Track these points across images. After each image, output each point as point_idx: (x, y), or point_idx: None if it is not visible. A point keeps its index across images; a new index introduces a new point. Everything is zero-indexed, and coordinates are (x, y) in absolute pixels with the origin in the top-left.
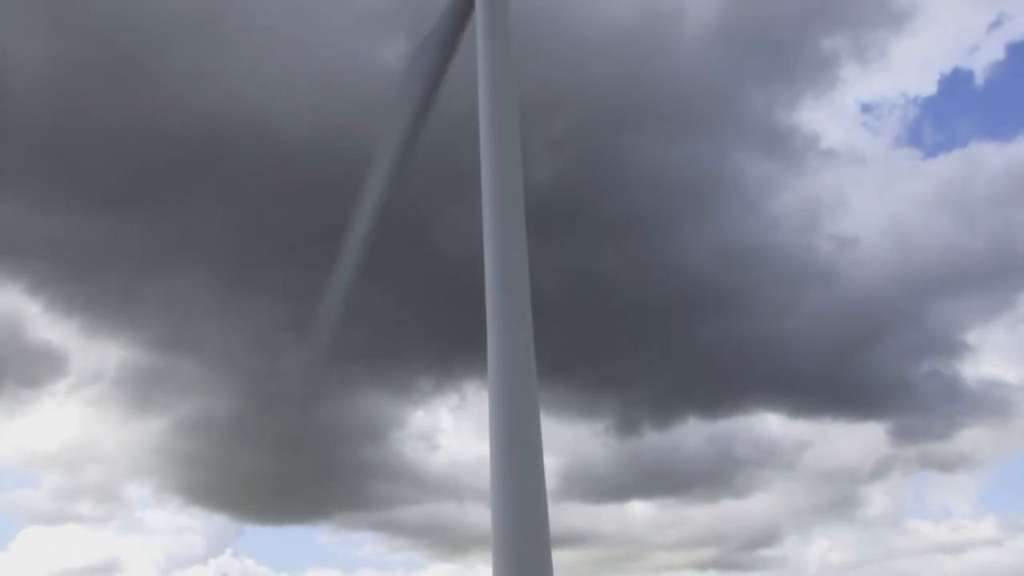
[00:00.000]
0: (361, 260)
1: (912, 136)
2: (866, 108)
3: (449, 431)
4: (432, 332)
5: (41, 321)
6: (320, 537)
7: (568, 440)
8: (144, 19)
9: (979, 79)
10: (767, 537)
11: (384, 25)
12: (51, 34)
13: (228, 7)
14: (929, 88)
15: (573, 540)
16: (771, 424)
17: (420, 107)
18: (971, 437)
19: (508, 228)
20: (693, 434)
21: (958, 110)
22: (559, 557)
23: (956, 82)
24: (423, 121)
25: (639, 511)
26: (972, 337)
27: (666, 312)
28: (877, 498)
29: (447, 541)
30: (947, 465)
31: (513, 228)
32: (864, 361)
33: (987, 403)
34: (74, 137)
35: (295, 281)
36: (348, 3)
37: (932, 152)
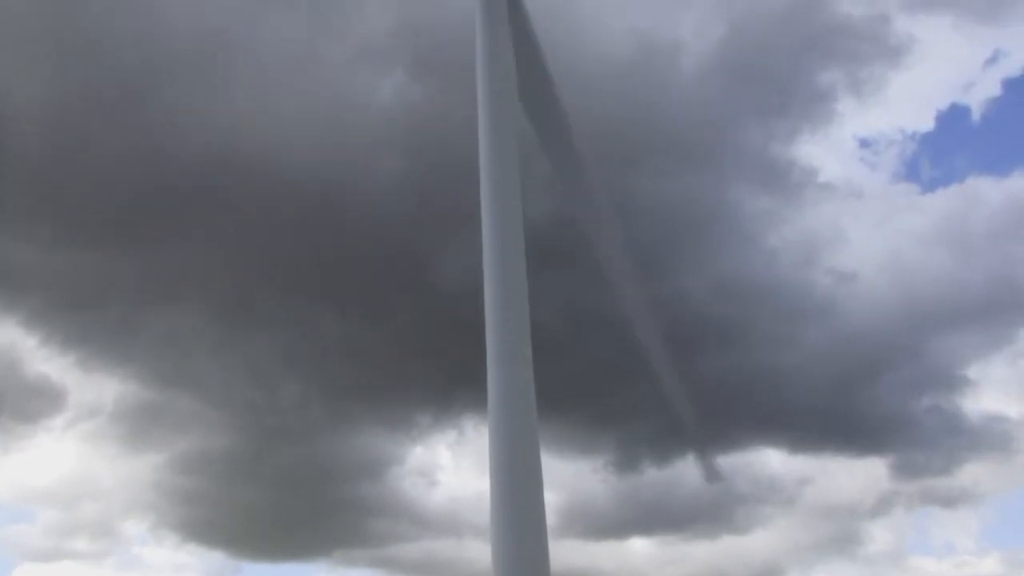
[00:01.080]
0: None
1: (910, 171)
2: (864, 143)
3: (448, 467)
4: (430, 367)
5: (38, 355)
6: (318, 574)
7: (567, 476)
8: (142, 55)
9: (976, 115)
10: (768, 574)
11: (381, 61)
12: (50, 69)
13: (226, 43)
14: (927, 124)
15: None
16: (771, 459)
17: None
18: (973, 472)
19: (508, 264)
20: (693, 470)
21: (955, 145)
22: None
23: (953, 118)
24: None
25: (639, 548)
26: (972, 372)
27: (665, 347)
28: (879, 534)
29: None
30: (949, 500)
31: (513, 264)
32: (864, 395)
33: (988, 438)
34: (72, 171)
35: (293, 315)
36: (346, 39)
37: (930, 187)
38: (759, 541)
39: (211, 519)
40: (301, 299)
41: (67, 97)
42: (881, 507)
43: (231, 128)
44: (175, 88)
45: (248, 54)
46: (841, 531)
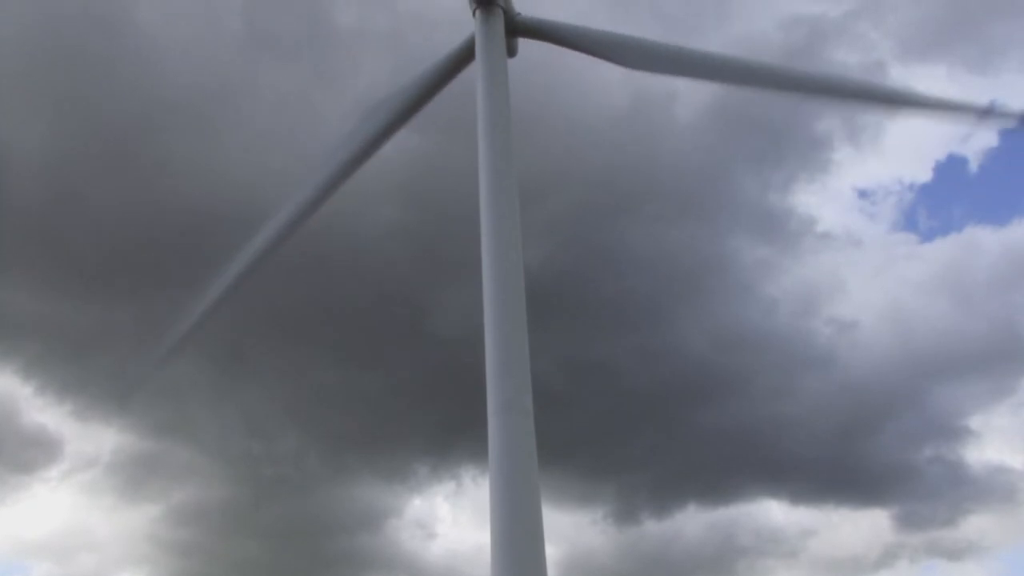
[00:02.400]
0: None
1: (908, 221)
2: (863, 194)
3: (447, 519)
4: (428, 417)
5: (34, 404)
6: None
7: (566, 528)
8: (140, 106)
9: (973, 165)
10: None
11: None
12: (48, 120)
13: (223, 95)
14: (925, 175)
15: None
16: (773, 511)
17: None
18: (978, 524)
19: (508, 315)
20: (693, 522)
21: (953, 195)
22: None
23: (951, 168)
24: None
25: None
26: (975, 422)
27: (664, 398)
28: None
29: None
30: (955, 553)
31: (513, 315)
32: (866, 446)
33: (993, 489)
34: (69, 220)
35: (290, 365)
36: (342, 90)
37: (928, 237)
38: None
39: (207, 572)
40: (298, 348)
41: (65, 148)
42: (886, 560)
43: (228, 179)
44: (172, 139)
45: (245, 106)
46: None
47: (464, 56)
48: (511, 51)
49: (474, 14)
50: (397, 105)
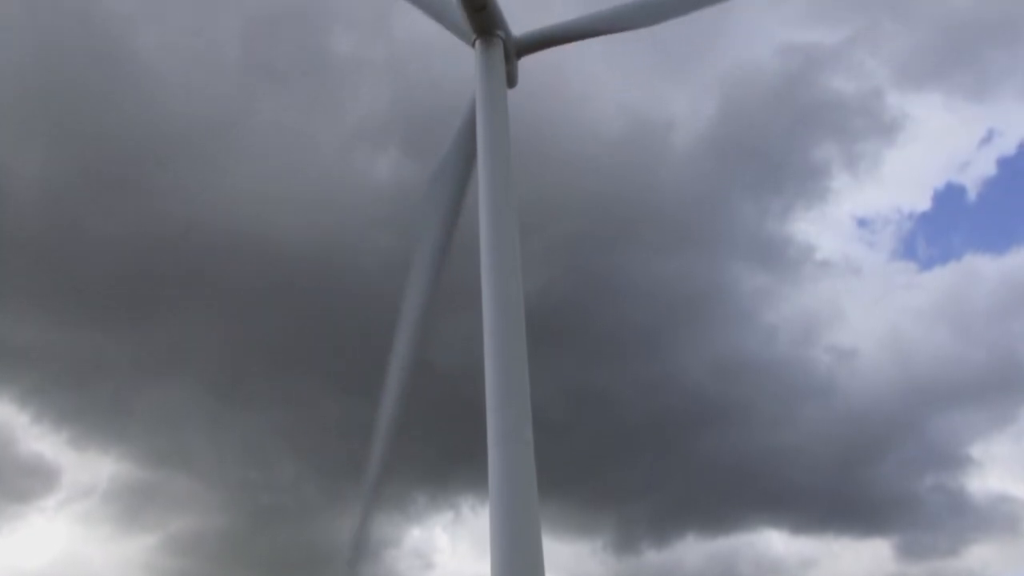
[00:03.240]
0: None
1: (907, 249)
2: (862, 223)
3: (445, 549)
4: (426, 446)
5: (31, 433)
6: None
7: (565, 558)
8: (138, 135)
9: (972, 194)
10: None
11: (376, 140)
12: (47, 148)
13: (220, 124)
14: (924, 203)
15: None
16: (773, 541)
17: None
18: (981, 554)
19: (509, 345)
20: (693, 552)
21: (952, 224)
22: None
23: (949, 196)
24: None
25: None
26: (976, 450)
27: (663, 427)
28: None
29: None
30: None
31: (514, 345)
32: (866, 475)
33: (995, 518)
34: (67, 249)
35: (288, 394)
36: (340, 119)
37: (927, 265)
38: None
39: None
40: (296, 377)
41: (63, 177)
42: None
43: (226, 208)
44: (170, 169)
45: (242, 136)
46: None
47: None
48: (511, 81)
49: (474, 44)
50: (456, 160)
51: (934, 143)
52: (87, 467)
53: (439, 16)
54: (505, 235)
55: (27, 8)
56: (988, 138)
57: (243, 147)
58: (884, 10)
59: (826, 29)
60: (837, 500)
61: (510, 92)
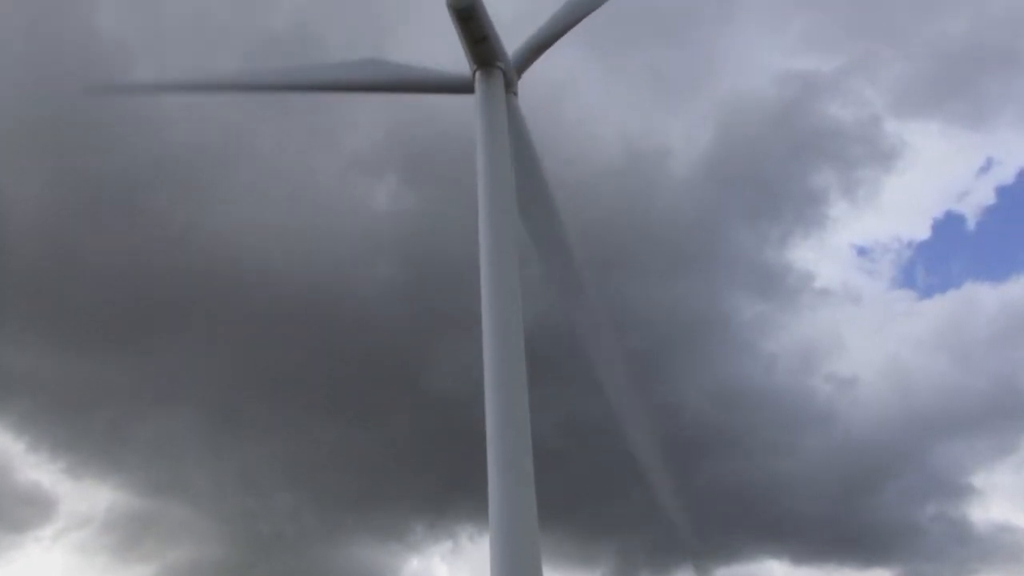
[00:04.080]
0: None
1: (906, 278)
2: (861, 251)
3: None
4: (424, 475)
5: (26, 461)
6: None
7: None
8: (137, 163)
9: (971, 223)
10: None
11: (375, 168)
12: (45, 178)
13: (220, 151)
14: (923, 232)
15: None
16: (774, 571)
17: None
18: None
19: (509, 375)
20: None
21: (951, 252)
22: None
23: (949, 225)
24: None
25: None
26: (978, 480)
27: (662, 456)
28: None
29: None
30: None
31: (514, 375)
32: (868, 504)
33: (998, 548)
34: (64, 276)
35: (286, 423)
36: (338, 148)
37: (927, 293)
38: None
39: None
40: (294, 406)
41: (62, 206)
42: None
43: (225, 236)
44: (168, 198)
45: (242, 165)
46: None
47: (458, 86)
48: (511, 111)
49: (474, 75)
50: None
51: (932, 171)
52: (84, 496)
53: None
54: (505, 263)
55: (27, 36)
56: (987, 167)
57: (242, 176)
58: (880, 38)
59: (822, 57)
60: (838, 530)
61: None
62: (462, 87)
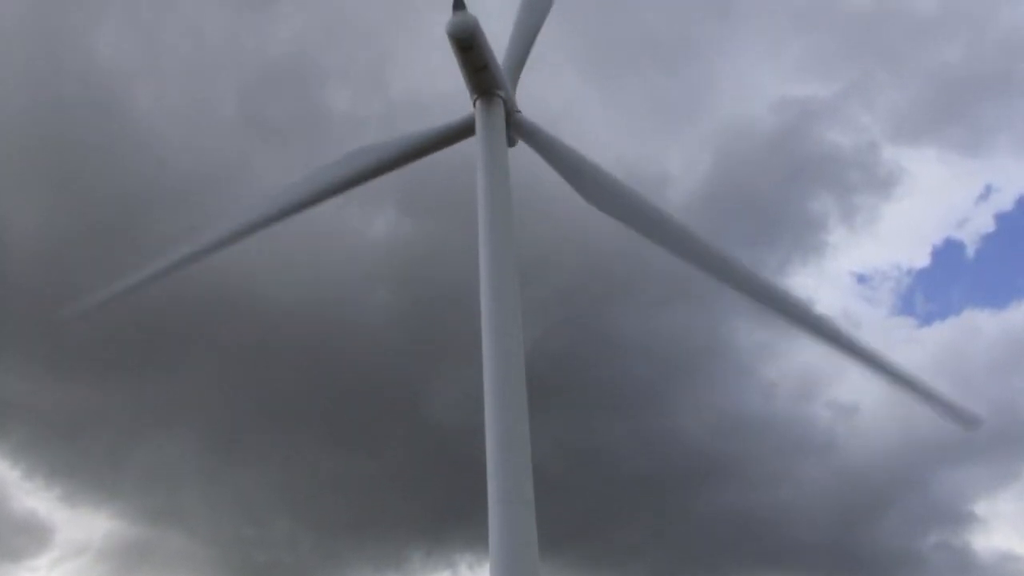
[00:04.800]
0: None
1: (906, 305)
2: (861, 279)
3: None
4: (422, 502)
5: (22, 488)
6: None
7: None
8: (135, 190)
9: (970, 250)
10: None
11: (373, 197)
12: (44, 203)
13: (217, 180)
14: (923, 260)
15: None
16: None
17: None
18: None
19: (509, 404)
20: None
21: (950, 279)
22: None
23: (948, 252)
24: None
25: None
26: (980, 508)
27: (662, 484)
28: None
29: None
30: None
31: (514, 405)
32: (868, 532)
33: None
34: (61, 302)
35: (283, 450)
36: None
37: (926, 320)
38: None
39: None
40: (292, 433)
41: (59, 230)
42: None
43: (223, 263)
44: (166, 224)
45: (240, 192)
46: None
47: (462, 131)
48: (511, 140)
49: (475, 104)
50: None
51: (931, 198)
52: (80, 524)
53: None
54: (506, 293)
55: (28, 64)
56: (986, 194)
57: (240, 203)
58: (876, 64)
59: (819, 83)
60: (839, 558)
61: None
62: (466, 130)
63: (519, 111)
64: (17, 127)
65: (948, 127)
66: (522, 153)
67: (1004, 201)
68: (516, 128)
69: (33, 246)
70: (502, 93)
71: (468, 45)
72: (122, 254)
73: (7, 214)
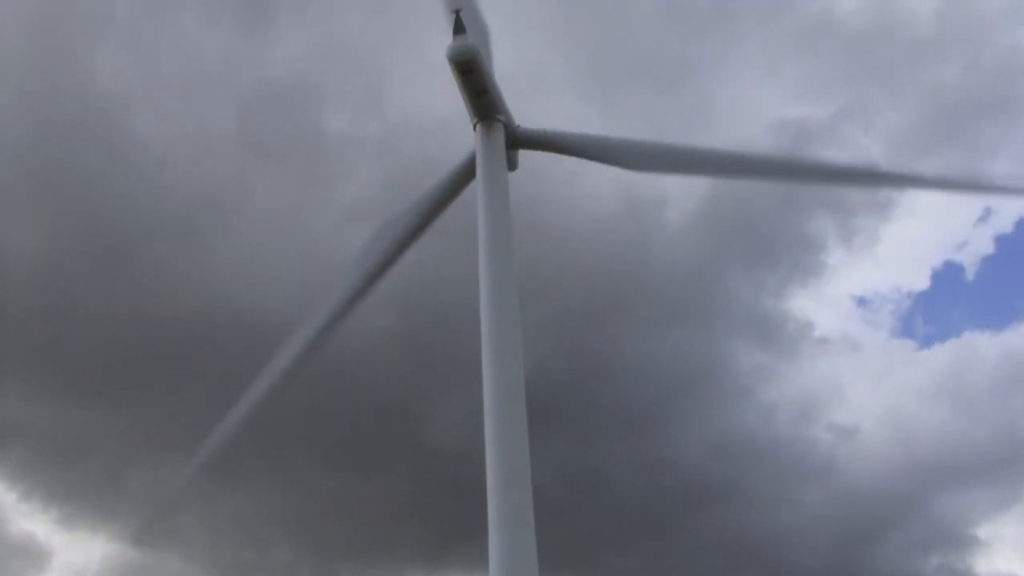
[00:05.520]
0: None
1: (905, 327)
2: (861, 302)
3: None
4: (421, 527)
5: (19, 511)
6: None
7: None
8: (133, 213)
9: (969, 273)
10: None
11: (370, 219)
12: (43, 227)
13: (216, 202)
14: (922, 282)
15: None
16: None
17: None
18: None
19: (510, 429)
20: None
21: (950, 301)
22: None
23: (948, 275)
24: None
25: None
26: (983, 531)
27: (662, 507)
28: None
29: None
30: None
31: (515, 430)
32: (869, 556)
33: None
34: (59, 325)
35: (282, 473)
36: (334, 197)
37: (926, 343)
38: None
39: None
40: (291, 457)
41: (58, 253)
42: None
43: (221, 287)
44: (165, 247)
45: (237, 215)
46: None
47: (466, 173)
48: (511, 164)
49: (475, 128)
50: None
51: (930, 220)
52: (78, 547)
53: None
54: (506, 314)
55: (25, 88)
56: (985, 216)
57: (237, 226)
58: (873, 85)
59: (817, 104)
60: None
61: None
62: (470, 171)
63: (519, 125)
64: (16, 150)
65: (946, 149)
66: (522, 176)
67: (1004, 223)
68: (521, 139)
69: (31, 269)
70: (502, 117)
71: (468, 69)
72: (117, 277)
73: (6, 237)
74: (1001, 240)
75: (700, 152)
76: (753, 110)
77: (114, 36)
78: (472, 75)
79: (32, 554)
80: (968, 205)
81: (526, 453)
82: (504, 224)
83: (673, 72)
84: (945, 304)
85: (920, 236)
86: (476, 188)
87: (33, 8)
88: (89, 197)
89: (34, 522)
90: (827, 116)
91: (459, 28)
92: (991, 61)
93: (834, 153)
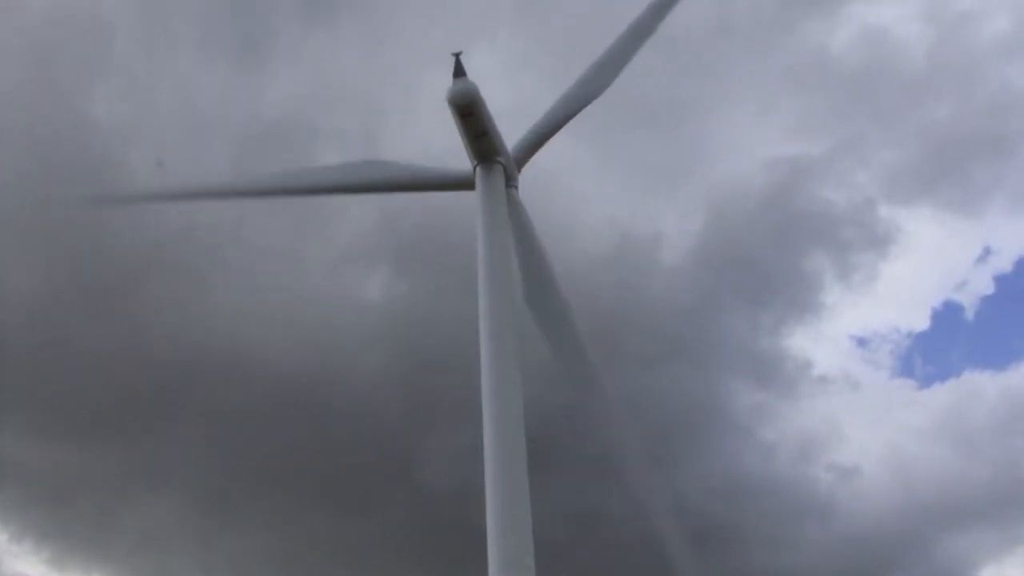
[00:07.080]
0: None
1: (905, 367)
2: (861, 342)
3: None
4: (417, 567)
5: (10, 551)
6: None
7: None
8: (128, 251)
9: (969, 313)
10: None
11: (366, 258)
12: (37, 264)
13: (211, 241)
14: (922, 322)
15: None
16: None
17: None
18: None
19: (510, 471)
20: None
21: (950, 341)
22: None
23: (947, 315)
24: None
25: None
26: (986, 572)
27: (660, 548)
28: None
29: None
30: None
31: (515, 472)
32: None
33: None
34: (53, 363)
35: (277, 512)
36: (330, 237)
37: (926, 382)
38: None
39: None
40: (286, 496)
41: (52, 290)
42: None
43: (216, 325)
44: (160, 285)
45: (232, 254)
46: None
47: (461, 183)
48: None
49: (475, 170)
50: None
51: (929, 258)
52: None
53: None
54: (506, 355)
55: (22, 124)
56: (984, 256)
57: (233, 265)
58: (867, 123)
59: (811, 141)
60: None
61: None
62: (463, 183)
63: (516, 186)
64: (12, 189)
65: (942, 186)
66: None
67: (1003, 263)
68: (520, 163)
69: (25, 307)
70: (501, 159)
71: (468, 112)
72: (112, 316)
73: (1, 276)
74: (1001, 280)
75: None
76: (747, 148)
77: (111, 74)
78: (472, 117)
79: None
80: (966, 243)
81: (526, 493)
82: (504, 266)
83: (667, 111)
84: (945, 344)
85: (919, 275)
86: (476, 228)
87: (30, 46)
88: (85, 237)
89: (25, 563)
90: (820, 154)
91: (459, 71)
92: (984, 97)
93: (830, 190)
